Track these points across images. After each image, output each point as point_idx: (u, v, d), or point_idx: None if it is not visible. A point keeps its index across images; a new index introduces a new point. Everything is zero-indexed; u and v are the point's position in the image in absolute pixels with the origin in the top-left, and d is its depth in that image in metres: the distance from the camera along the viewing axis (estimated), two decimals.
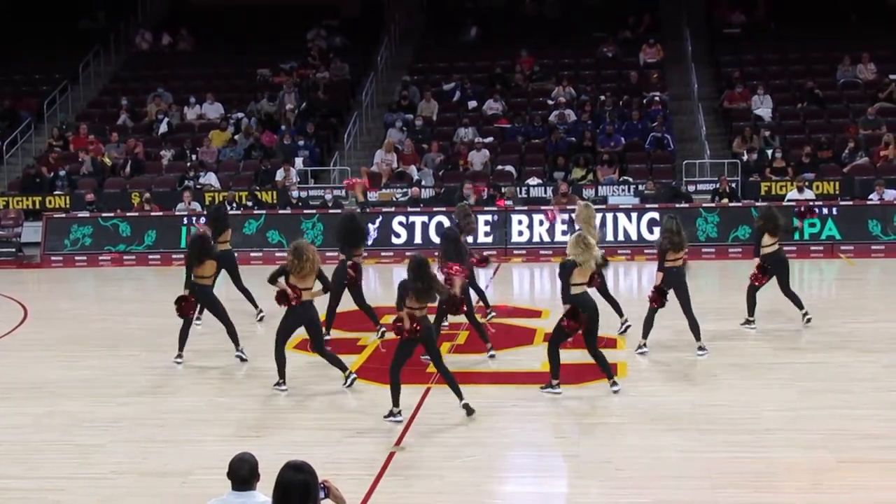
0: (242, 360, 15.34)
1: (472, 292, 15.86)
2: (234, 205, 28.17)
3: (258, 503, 6.64)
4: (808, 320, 16.83)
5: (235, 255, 18.47)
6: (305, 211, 27.91)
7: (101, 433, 12.12)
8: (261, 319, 18.29)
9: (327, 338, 15.88)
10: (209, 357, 15.74)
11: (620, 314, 16.47)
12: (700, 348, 15.12)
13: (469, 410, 12.36)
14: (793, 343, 16.10)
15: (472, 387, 13.92)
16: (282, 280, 13.63)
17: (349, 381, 13.73)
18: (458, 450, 11.23)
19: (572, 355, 14.05)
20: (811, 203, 16.96)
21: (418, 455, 11.18)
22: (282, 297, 13.51)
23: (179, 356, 15.37)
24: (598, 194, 28.64)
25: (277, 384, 13.74)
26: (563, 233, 24.58)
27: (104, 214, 28.21)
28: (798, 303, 16.84)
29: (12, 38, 37.79)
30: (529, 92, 34.25)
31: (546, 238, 26.80)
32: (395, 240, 27.13)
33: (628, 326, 16.37)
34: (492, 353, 15.26)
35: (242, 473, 6.69)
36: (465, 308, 14.87)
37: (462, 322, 16.11)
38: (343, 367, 13.80)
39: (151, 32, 38.99)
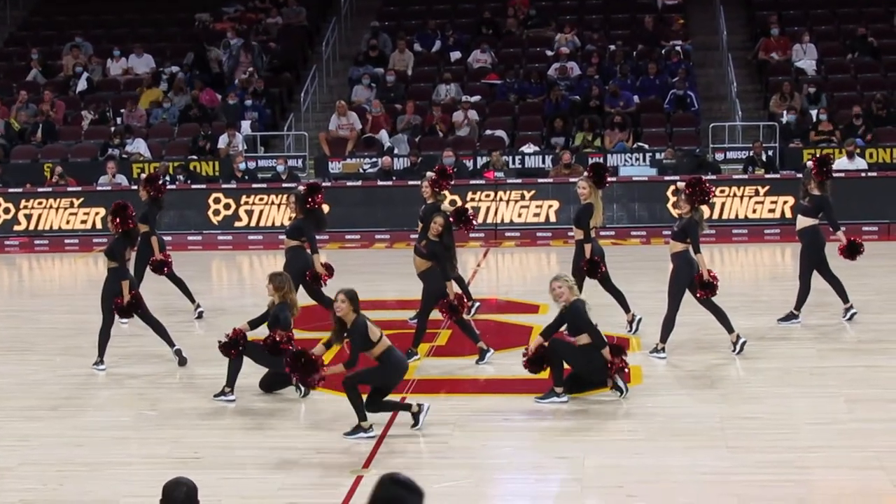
0: (182, 360, 15.36)
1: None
2: (168, 178, 28.11)
3: None
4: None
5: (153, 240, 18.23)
6: (254, 185, 27.88)
7: (9, 454, 12.09)
8: (199, 316, 18.30)
9: None
10: (138, 363, 15.72)
11: (627, 309, 16.52)
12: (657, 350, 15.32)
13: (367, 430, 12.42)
14: (840, 343, 16.17)
15: (457, 397, 13.95)
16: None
17: (303, 391, 13.80)
18: (440, 473, 11.24)
19: None
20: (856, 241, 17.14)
21: None
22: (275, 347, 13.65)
23: (100, 361, 15.33)
24: (606, 164, 28.59)
25: (222, 393, 13.73)
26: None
27: (11, 190, 28.15)
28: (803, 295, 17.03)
29: None
30: (524, 40, 34.24)
31: (544, 218, 26.84)
32: (361, 220, 27.10)
33: (639, 321, 16.42)
34: (490, 351, 15.27)
35: (178, 496, 6.69)
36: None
37: (441, 318, 16.13)
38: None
39: None
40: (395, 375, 12.53)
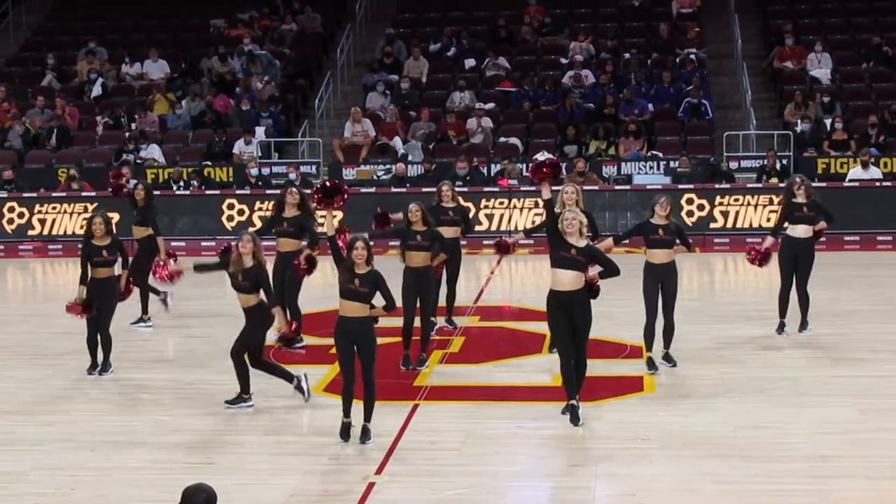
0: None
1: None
2: (182, 183, 28.21)
3: None
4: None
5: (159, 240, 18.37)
6: (268, 191, 27.90)
7: (22, 458, 12.11)
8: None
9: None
10: (153, 368, 15.74)
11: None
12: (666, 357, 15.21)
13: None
14: (852, 352, 16.12)
15: (470, 404, 13.93)
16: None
17: (306, 394, 13.82)
18: (452, 480, 11.24)
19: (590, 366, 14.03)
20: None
21: (403, 486, 11.19)
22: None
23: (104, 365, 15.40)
24: (620, 172, 28.66)
25: (241, 399, 13.69)
26: None
27: (25, 195, 28.22)
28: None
29: None
30: (539, 48, 34.25)
31: None
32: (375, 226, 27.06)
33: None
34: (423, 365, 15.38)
35: (197, 502, 6.69)
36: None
37: (452, 329, 16.17)
38: (289, 377, 13.91)
39: None
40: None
